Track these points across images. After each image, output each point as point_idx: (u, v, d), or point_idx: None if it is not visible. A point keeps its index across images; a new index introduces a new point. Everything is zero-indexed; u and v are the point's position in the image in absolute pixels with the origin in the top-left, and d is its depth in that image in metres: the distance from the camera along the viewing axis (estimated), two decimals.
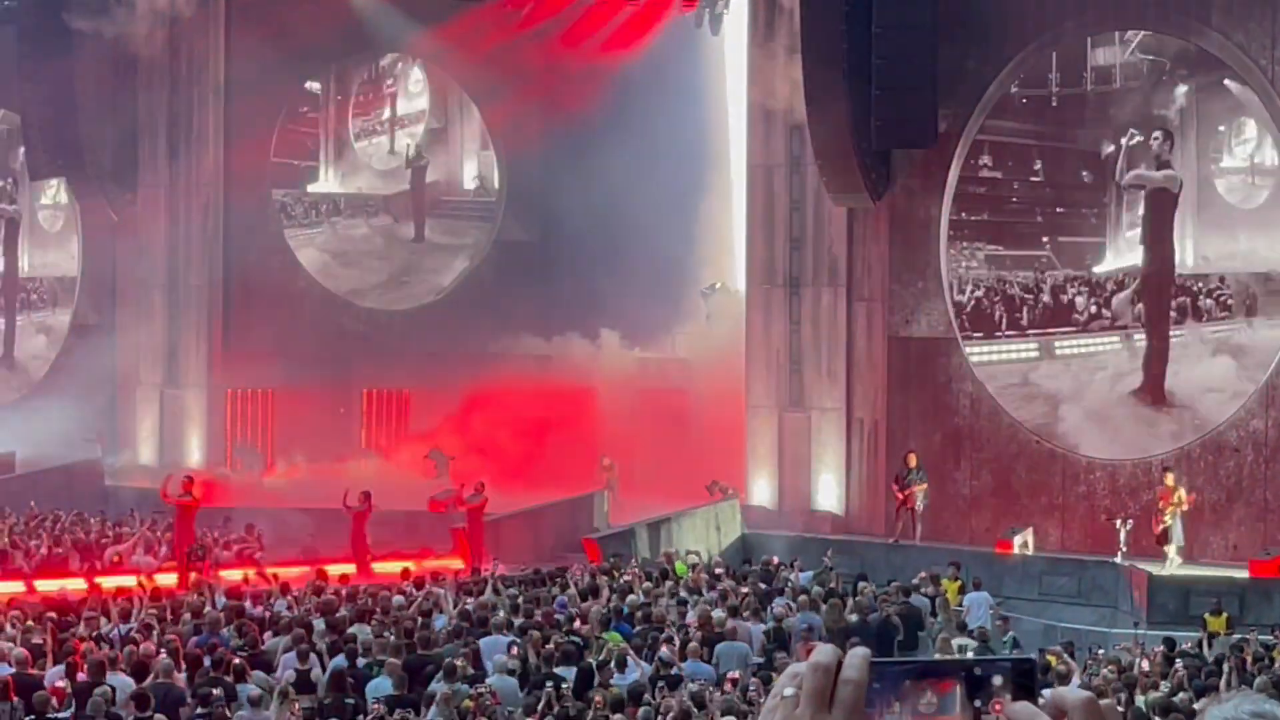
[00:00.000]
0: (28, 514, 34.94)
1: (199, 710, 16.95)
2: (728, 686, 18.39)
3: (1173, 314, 32.15)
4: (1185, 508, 29.14)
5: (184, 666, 18.70)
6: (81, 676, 17.96)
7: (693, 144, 42.44)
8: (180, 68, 42.64)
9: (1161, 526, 29.04)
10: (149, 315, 42.87)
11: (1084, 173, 33.28)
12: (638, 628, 22.15)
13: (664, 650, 19.96)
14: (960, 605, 26.69)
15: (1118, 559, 29.89)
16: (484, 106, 43.76)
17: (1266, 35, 31.02)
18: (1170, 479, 29.44)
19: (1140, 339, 32.51)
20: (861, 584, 26.49)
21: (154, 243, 42.87)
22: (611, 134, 41.33)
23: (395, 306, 44.24)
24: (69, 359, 44.07)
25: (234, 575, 28.92)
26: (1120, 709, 17.18)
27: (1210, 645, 23.44)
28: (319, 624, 21.62)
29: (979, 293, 33.94)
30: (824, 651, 2.52)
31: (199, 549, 30.55)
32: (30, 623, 20.90)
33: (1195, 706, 17.01)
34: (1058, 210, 33.67)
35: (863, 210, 34.59)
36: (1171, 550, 28.97)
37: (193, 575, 28.45)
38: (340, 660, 19.27)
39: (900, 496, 32.34)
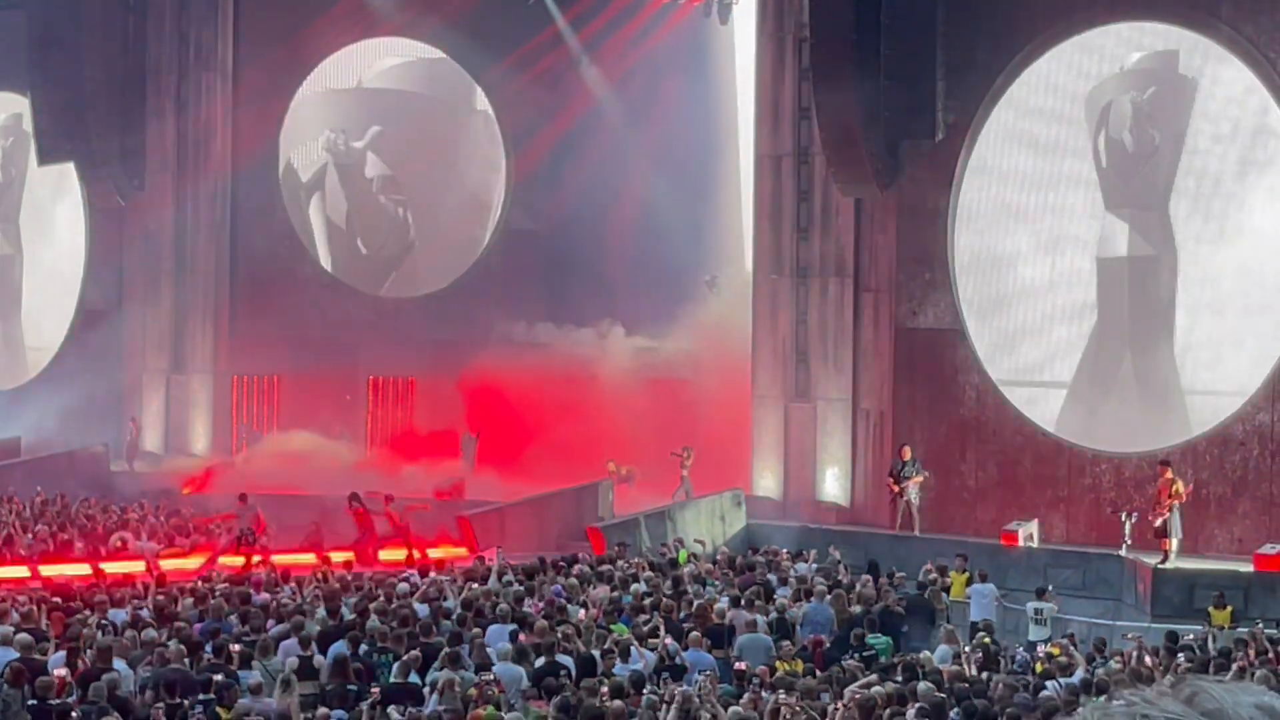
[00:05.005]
0: (33, 498, 34.93)
1: (201, 696, 16.92)
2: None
3: None
4: (1183, 500, 29.06)
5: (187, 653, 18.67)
6: (83, 664, 17.92)
7: (701, 134, 42.35)
8: (189, 54, 42.63)
9: (1160, 520, 28.96)
10: (156, 301, 42.86)
11: None
12: (642, 617, 22.09)
13: (669, 641, 19.92)
14: (966, 597, 26.67)
15: (1122, 552, 29.87)
16: (492, 95, 43.67)
17: (1277, 29, 30.93)
18: (1169, 472, 29.36)
19: None
20: (864, 576, 26.49)
21: (161, 229, 42.84)
22: (620, 123, 41.26)
23: (402, 294, 44.23)
24: (75, 344, 44.00)
25: (234, 561, 29.08)
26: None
27: (1214, 639, 23.36)
28: (319, 611, 21.57)
29: None
30: None
31: (249, 533, 30.87)
32: (33, 608, 20.85)
33: None
34: None
35: (870, 201, 34.55)
36: (1173, 545, 28.88)
37: (254, 558, 28.73)
38: (341, 646, 19.22)
39: (895, 490, 32.31)
